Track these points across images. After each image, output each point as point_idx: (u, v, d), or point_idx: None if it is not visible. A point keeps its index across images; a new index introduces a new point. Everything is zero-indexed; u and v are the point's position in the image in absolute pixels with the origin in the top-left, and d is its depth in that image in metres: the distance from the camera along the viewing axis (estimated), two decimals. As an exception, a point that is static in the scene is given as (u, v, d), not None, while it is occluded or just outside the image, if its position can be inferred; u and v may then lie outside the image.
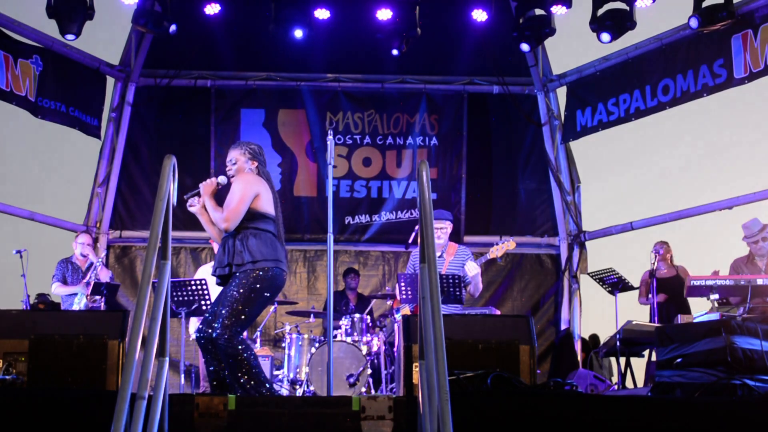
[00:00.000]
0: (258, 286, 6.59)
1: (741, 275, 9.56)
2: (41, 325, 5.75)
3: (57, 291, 10.92)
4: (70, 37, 11.11)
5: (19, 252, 10.90)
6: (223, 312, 6.51)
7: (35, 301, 11.18)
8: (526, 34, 11.45)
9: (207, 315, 6.76)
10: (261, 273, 6.60)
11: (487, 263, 9.82)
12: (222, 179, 7.17)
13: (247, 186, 6.86)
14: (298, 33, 11.59)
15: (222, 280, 6.87)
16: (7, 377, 5.45)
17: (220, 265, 6.80)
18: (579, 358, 12.60)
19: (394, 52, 11.74)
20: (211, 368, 6.61)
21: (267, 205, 6.86)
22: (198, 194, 7.08)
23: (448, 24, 12.97)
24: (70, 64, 12.97)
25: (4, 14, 12.01)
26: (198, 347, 9.95)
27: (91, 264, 10.97)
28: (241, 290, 6.56)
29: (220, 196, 7.12)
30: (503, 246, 9.68)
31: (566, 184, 13.68)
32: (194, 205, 7.07)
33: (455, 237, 11.81)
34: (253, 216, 6.81)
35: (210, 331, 6.48)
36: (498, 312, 10.84)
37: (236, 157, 7.10)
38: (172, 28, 11.59)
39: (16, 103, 12.18)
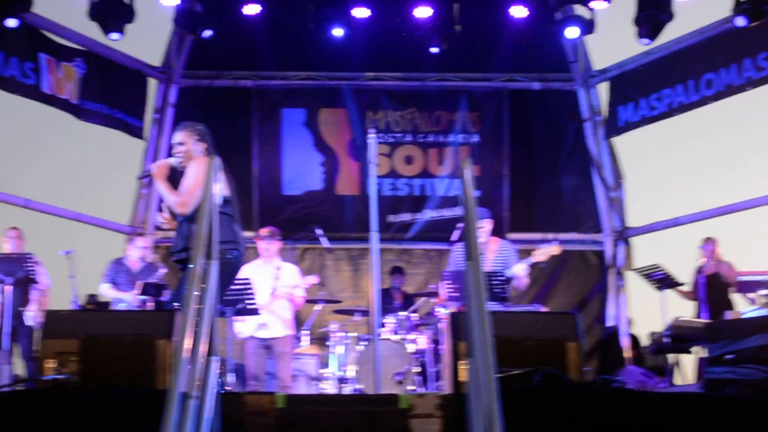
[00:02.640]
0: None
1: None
2: (91, 326, 5.81)
3: (105, 293, 10.99)
4: (114, 36, 11.21)
5: (67, 253, 11.01)
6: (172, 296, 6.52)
7: (84, 302, 11.28)
8: (568, 24, 11.39)
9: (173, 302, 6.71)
10: (220, 257, 6.42)
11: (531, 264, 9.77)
12: (174, 161, 7.06)
13: (202, 170, 6.67)
14: (338, 32, 11.61)
15: (182, 265, 6.79)
16: (60, 377, 5.52)
17: (176, 250, 6.72)
18: (626, 354, 12.50)
19: (434, 50, 11.73)
20: None
21: (222, 186, 6.67)
22: (150, 175, 7.01)
23: (487, 21, 12.93)
24: (113, 66, 13.09)
25: (46, 18, 12.14)
26: (245, 346, 10.07)
27: (145, 267, 11.04)
28: None
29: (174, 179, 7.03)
30: (547, 251, 9.60)
31: (610, 179, 13.59)
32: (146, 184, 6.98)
33: (499, 235, 11.74)
34: None
35: None
36: (544, 309, 10.80)
37: (183, 138, 7.00)
38: (208, 33, 11.69)
39: (59, 106, 12.32)
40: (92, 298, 11.44)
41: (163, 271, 11.09)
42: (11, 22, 10.75)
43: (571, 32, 11.54)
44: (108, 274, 10.91)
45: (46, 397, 5.14)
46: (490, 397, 4.04)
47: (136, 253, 10.99)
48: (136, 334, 5.70)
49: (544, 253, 9.57)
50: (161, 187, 6.84)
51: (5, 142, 17.10)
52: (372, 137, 8.24)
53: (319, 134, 13.91)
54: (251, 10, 12.01)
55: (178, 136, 7.00)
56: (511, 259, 9.54)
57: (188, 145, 6.94)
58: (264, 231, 10.20)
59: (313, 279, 10.55)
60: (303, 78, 13.93)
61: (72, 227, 13.35)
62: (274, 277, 9.99)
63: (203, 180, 6.55)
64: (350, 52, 13.08)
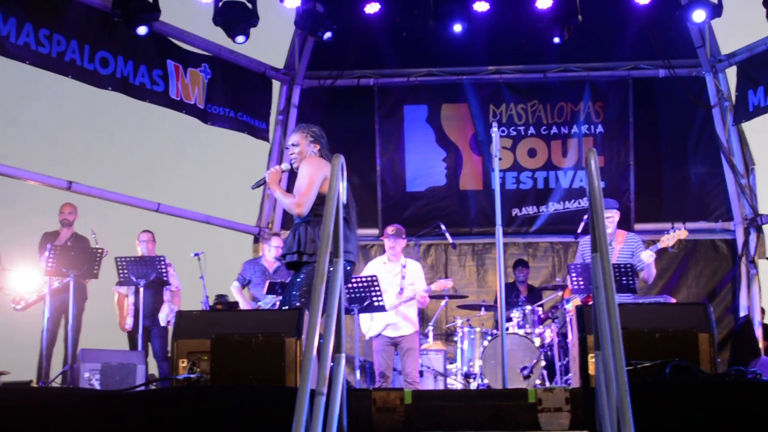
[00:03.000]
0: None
1: None
2: (221, 325, 5.90)
3: (234, 293, 11.18)
4: (239, 39, 11.42)
5: (197, 255, 11.27)
6: (292, 301, 6.56)
7: (214, 302, 11.52)
8: (695, 8, 11.16)
9: (281, 303, 6.74)
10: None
11: (659, 251, 9.61)
12: (285, 166, 7.06)
13: (314, 170, 6.73)
14: (457, 28, 11.59)
15: (291, 266, 6.83)
16: (192, 376, 5.63)
17: (290, 251, 6.72)
18: (761, 345, 12.18)
19: (556, 40, 11.61)
20: None
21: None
22: (264, 183, 7.05)
23: (609, 9, 12.74)
24: (237, 70, 13.35)
25: (173, 25, 12.44)
26: (372, 343, 10.14)
27: (281, 266, 11.18)
28: (309, 279, 6.51)
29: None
30: (675, 235, 9.45)
31: (740, 166, 13.24)
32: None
33: (625, 225, 11.59)
34: (323, 201, 6.49)
35: None
36: (673, 300, 10.60)
37: (298, 140, 6.98)
38: (328, 35, 11.81)
39: (186, 111, 12.62)
40: (221, 298, 11.67)
41: None
42: (141, 30, 11.06)
43: (698, 16, 11.30)
44: (241, 274, 11.09)
45: (179, 396, 5.26)
46: (621, 390, 3.99)
47: (272, 252, 11.12)
48: (266, 332, 5.77)
49: (671, 237, 9.41)
50: (276, 192, 6.89)
51: (138, 149, 17.59)
52: (495, 131, 8.19)
53: (441, 130, 13.91)
54: (371, 8, 12.08)
55: (293, 138, 7.04)
56: (638, 250, 9.41)
57: (302, 146, 6.96)
58: (390, 229, 10.21)
59: (448, 282, 10.55)
60: (424, 74, 13.94)
61: (201, 229, 13.65)
62: (400, 276, 10.03)
63: (316, 180, 6.63)
64: (471, 47, 13.05)
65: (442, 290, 10.60)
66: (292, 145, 7.01)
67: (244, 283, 11.05)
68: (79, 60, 11.37)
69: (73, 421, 5.10)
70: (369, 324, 9.99)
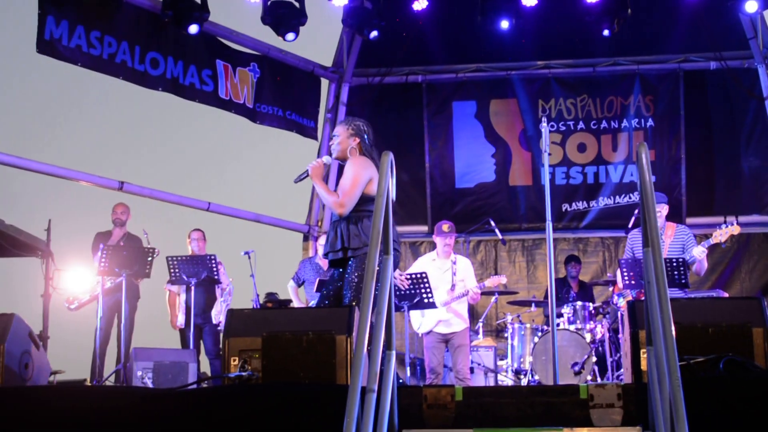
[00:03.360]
0: None
1: None
2: (272, 323, 5.91)
3: (289, 292, 11.25)
4: (289, 36, 11.48)
5: (247, 253, 11.33)
6: (349, 297, 6.54)
7: (264, 300, 11.58)
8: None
9: (326, 300, 6.73)
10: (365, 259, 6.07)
11: (711, 246, 9.51)
12: (327, 159, 7.03)
13: (360, 170, 6.69)
14: (504, 24, 11.55)
15: (335, 264, 6.82)
16: (243, 374, 5.65)
17: (333, 249, 6.68)
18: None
19: (605, 33, 11.52)
20: None
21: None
22: (307, 176, 6.97)
23: (659, 1, 12.66)
24: (286, 68, 13.41)
25: (223, 25, 12.52)
26: (423, 339, 10.13)
27: None
28: (361, 274, 6.48)
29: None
30: (727, 230, 9.34)
31: (794, 158, 13.08)
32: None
33: (677, 219, 11.49)
34: (365, 200, 6.63)
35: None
36: (726, 294, 10.49)
37: (339, 131, 6.97)
38: (374, 34, 11.82)
39: (235, 111, 12.71)
40: (271, 296, 11.72)
41: None
42: (193, 29, 11.16)
43: (751, 6, 11.15)
44: (296, 274, 11.14)
45: (230, 394, 5.29)
46: (673, 386, 3.95)
47: (321, 250, 11.15)
48: (316, 330, 5.78)
49: (723, 233, 9.31)
50: (319, 187, 6.86)
51: (188, 149, 17.74)
52: (544, 126, 8.16)
53: (490, 126, 13.89)
54: (419, 5, 12.06)
55: (335, 129, 7.05)
56: (689, 243, 9.32)
57: (341, 138, 6.92)
58: (445, 226, 10.16)
59: (501, 279, 10.52)
60: (473, 70, 13.92)
61: (251, 228, 13.74)
62: (451, 272, 10.01)
63: (361, 180, 6.60)
64: (519, 41, 13.02)
65: (496, 287, 10.57)
66: (334, 136, 7.02)
67: (299, 283, 11.10)
68: (129, 61, 11.50)
69: (125, 420, 5.15)
70: (420, 320, 9.99)
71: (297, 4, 11.49)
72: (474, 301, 10.33)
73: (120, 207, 11.33)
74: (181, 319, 11.08)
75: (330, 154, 7.10)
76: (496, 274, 11.19)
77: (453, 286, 9.93)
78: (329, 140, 7.14)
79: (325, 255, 6.88)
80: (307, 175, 6.97)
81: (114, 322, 10.93)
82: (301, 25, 11.57)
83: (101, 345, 10.61)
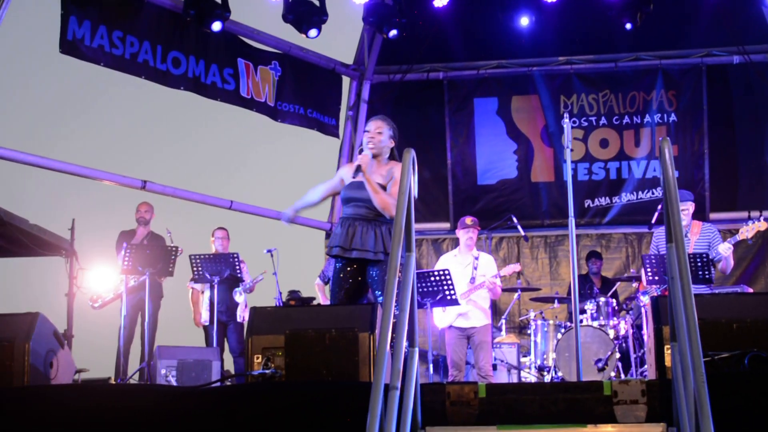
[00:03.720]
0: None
1: None
2: (295, 321, 5.92)
3: (315, 289, 11.29)
4: (312, 33, 11.50)
5: (269, 251, 11.35)
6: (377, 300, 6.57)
7: (287, 298, 11.60)
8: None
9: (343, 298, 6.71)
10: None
11: (737, 242, 9.45)
12: (369, 153, 6.91)
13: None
14: (524, 21, 11.55)
15: (370, 264, 6.80)
16: (267, 371, 5.67)
17: (374, 250, 6.70)
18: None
19: (628, 26, 11.48)
20: None
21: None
22: (361, 170, 6.80)
23: (681, -5, 12.62)
24: (307, 66, 13.42)
25: (245, 24, 12.55)
26: (445, 336, 10.11)
27: None
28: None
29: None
30: (754, 226, 9.27)
31: (818, 152, 12.98)
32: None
33: (700, 215, 11.44)
34: None
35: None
36: (750, 290, 10.43)
37: (383, 129, 6.95)
38: (393, 32, 11.83)
39: (256, 109, 12.74)
40: (294, 293, 11.75)
41: None
42: (216, 26, 11.19)
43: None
44: (323, 272, 11.17)
45: (254, 392, 5.30)
46: (698, 382, 3.93)
47: None
48: (339, 327, 5.79)
49: (750, 229, 9.25)
50: (372, 183, 6.76)
51: (210, 148, 17.79)
52: (566, 122, 8.13)
53: (512, 122, 13.86)
54: (440, 1, 12.05)
55: (378, 124, 6.96)
56: (714, 240, 9.26)
57: (384, 137, 6.92)
58: (468, 220, 10.14)
59: (515, 267, 10.51)
60: (494, 66, 13.89)
61: (274, 226, 13.76)
62: (472, 267, 9.99)
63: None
64: (541, 38, 12.99)
65: (511, 274, 10.54)
66: (377, 132, 6.95)
67: (326, 281, 11.11)
68: (152, 61, 11.54)
69: (149, 418, 5.17)
70: (441, 315, 9.98)
71: (317, 2, 11.51)
72: (495, 296, 10.29)
73: (144, 206, 11.39)
74: (205, 316, 11.10)
75: (363, 147, 7.00)
76: (514, 263, 11.08)
77: (473, 278, 9.91)
78: (366, 133, 7.02)
79: (359, 254, 6.78)
80: (361, 170, 6.80)
81: (137, 321, 10.99)
82: (323, 23, 11.59)
83: (125, 343, 10.65)
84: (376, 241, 6.75)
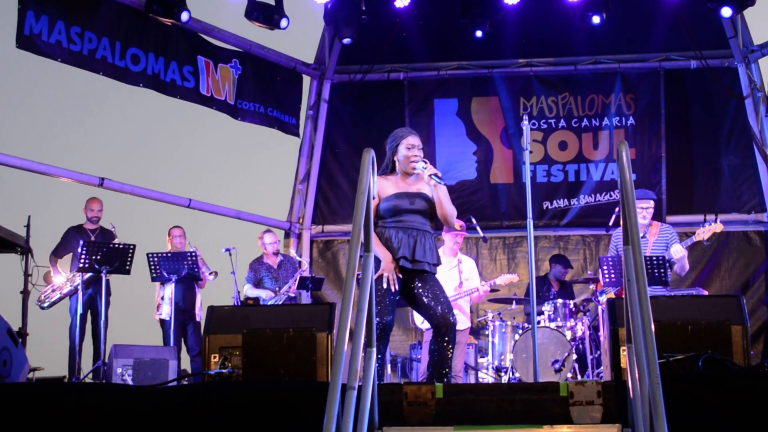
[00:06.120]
0: None
1: None
2: (252, 320, 5.92)
3: (249, 293, 11.30)
4: (283, 23, 11.51)
5: (228, 250, 11.32)
6: (448, 304, 6.60)
7: (245, 297, 11.57)
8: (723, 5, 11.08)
9: (433, 304, 6.68)
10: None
11: (692, 244, 9.53)
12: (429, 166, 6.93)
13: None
14: (479, 34, 11.72)
15: (416, 273, 6.74)
16: (224, 371, 5.66)
17: (432, 262, 6.73)
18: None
19: (596, 19, 11.54)
20: (435, 350, 6.63)
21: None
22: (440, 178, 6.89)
23: (640, 0, 12.68)
24: (268, 65, 13.39)
25: (205, 21, 12.49)
26: (425, 337, 10.07)
27: (281, 262, 11.33)
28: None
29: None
30: (710, 228, 9.37)
31: (773, 157, 13.12)
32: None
33: (657, 217, 11.52)
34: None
35: (452, 319, 6.53)
36: (706, 292, 10.53)
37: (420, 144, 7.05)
38: (347, 40, 11.90)
39: (216, 107, 12.68)
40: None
41: (306, 270, 11.48)
42: (184, 16, 11.22)
43: (726, 12, 11.30)
44: (249, 276, 11.56)
45: (211, 391, 5.28)
46: (653, 383, 3.96)
47: (269, 249, 11.64)
48: (297, 327, 5.78)
49: (706, 231, 9.34)
50: (447, 195, 6.99)
51: (169, 146, 17.68)
52: (525, 124, 8.16)
53: (471, 123, 13.89)
54: (401, 2, 12.05)
55: (418, 140, 7.01)
56: (672, 241, 9.34)
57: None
58: (457, 225, 10.08)
59: (513, 277, 10.50)
60: (454, 68, 13.92)
61: (232, 225, 13.71)
62: (457, 270, 9.96)
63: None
64: (501, 40, 13.03)
65: (507, 285, 10.59)
66: (420, 148, 6.99)
67: (256, 283, 11.32)
68: (110, 57, 11.44)
69: (105, 417, 5.13)
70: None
71: (273, 2, 11.54)
72: (479, 300, 10.30)
73: (96, 204, 11.10)
74: (166, 310, 10.90)
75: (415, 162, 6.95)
76: (509, 273, 11.04)
77: (461, 283, 9.87)
78: (414, 149, 6.97)
79: (417, 265, 6.70)
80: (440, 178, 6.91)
81: (87, 319, 10.82)
82: (283, 18, 11.62)
83: (79, 342, 10.54)
84: (430, 252, 6.78)
